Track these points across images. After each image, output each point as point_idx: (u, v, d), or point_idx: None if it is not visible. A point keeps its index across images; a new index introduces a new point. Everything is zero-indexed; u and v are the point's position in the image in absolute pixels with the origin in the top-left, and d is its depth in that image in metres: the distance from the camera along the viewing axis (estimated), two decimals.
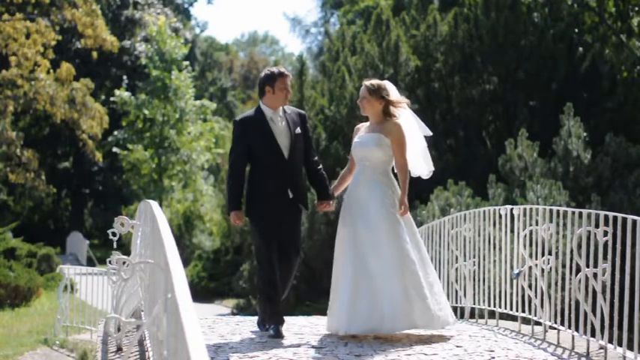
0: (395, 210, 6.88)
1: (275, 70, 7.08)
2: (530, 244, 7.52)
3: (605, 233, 6.39)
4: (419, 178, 7.51)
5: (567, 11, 26.28)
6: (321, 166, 7.30)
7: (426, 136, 7.45)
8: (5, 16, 27.69)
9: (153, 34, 39.62)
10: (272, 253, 6.87)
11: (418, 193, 21.93)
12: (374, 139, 6.98)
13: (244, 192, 7.08)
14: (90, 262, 34.14)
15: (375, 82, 7.12)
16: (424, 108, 26.50)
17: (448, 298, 9.23)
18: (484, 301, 8.47)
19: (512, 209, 7.97)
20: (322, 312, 7.68)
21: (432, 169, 7.47)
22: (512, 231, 8.03)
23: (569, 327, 6.80)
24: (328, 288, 7.07)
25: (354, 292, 6.70)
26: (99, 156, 31.58)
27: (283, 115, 7.03)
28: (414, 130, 7.27)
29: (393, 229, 6.80)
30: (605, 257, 6.43)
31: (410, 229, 6.94)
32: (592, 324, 6.46)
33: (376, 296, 6.66)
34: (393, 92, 7.13)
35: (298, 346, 6.44)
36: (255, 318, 7.78)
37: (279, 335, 6.83)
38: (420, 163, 7.36)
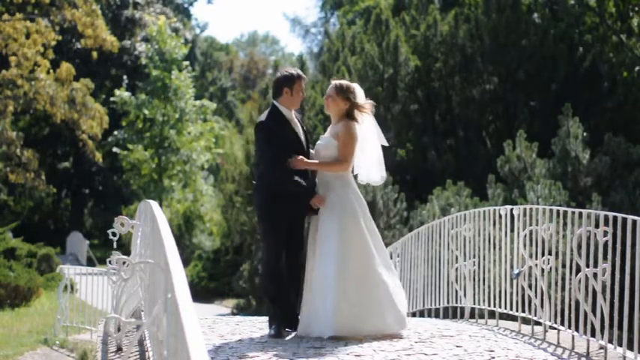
0: (347, 213, 6.83)
1: (294, 72, 7.05)
2: (531, 244, 7.52)
3: (605, 233, 6.39)
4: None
5: (568, 11, 26.28)
6: None
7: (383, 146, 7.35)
8: (5, 16, 27.70)
9: (153, 34, 39.63)
10: (282, 254, 6.89)
11: (418, 193, 21.95)
12: (324, 142, 7.02)
13: (262, 192, 6.98)
14: (90, 262, 34.15)
15: (345, 82, 7.12)
16: (424, 108, 26.53)
17: (448, 298, 9.25)
18: (484, 301, 8.47)
19: (512, 209, 7.97)
20: None
21: (384, 175, 7.34)
22: (512, 231, 8.03)
23: (569, 327, 6.80)
24: None
25: (305, 296, 6.86)
26: (99, 156, 31.58)
27: (295, 116, 7.10)
28: (373, 136, 7.19)
29: (339, 235, 6.77)
30: (605, 257, 6.43)
31: (353, 234, 6.83)
32: (592, 324, 6.46)
33: (315, 301, 6.74)
34: (360, 96, 7.08)
35: (298, 346, 6.44)
36: (255, 318, 7.79)
37: (279, 335, 6.83)
38: (375, 170, 7.26)
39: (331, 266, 6.73)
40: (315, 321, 6.73)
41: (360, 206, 6.97)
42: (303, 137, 7.05)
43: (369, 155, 7.19)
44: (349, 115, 7.01)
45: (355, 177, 7.24)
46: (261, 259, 7.25)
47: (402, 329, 6.96)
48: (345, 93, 7.01)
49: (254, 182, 7.24)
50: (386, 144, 7.30)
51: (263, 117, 7.01)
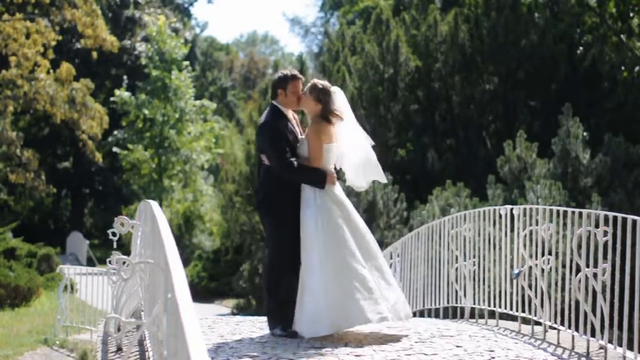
0: (315, 214, 6.81)
1: (288, 72, 7.06)
2: (531, 244, 7.52)
3: (605, 233, 6.39)
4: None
5: (568, 11, 26.29)
6: None
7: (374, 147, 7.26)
8: (5, 16, 27.71)
9: (153, 34, 39.63)
10: (286, 250, 6.89)
11: (418, 193, 21.94)
12: (300, 142, 6.99)
13: (267, 188, 6.95)
14: (90, 262, 34.15)
15: (322, 83, 7.03)
16: (424, 108, 26.53)
17: (448, 298, 9.25)
18: (484, 301, 8.47)
19: (512, 209, 7.97)
20: None
21: (382, 179, 7.26)
22: (512, 231, 8.03)
23: (569, 327, 6.80)
24: None
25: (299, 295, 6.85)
26: (99, 156, 31.59)
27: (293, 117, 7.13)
28: (355, 140, 7.11)
29: (308, 233, 6.77)
30: (605, 257, 6.43)
31: (332, 229, 6.81)
32: (592, 324, 6.46)
33: (300, 299, 6.76)
34: (337, 101, 6.99)
35: (298, 346, 6.44)
36: (255, 318, 7.76)
37: (287, 335, 6.81)
38: (358, 174, 7.17)
39: (311, 266, 6.73)
40: (305, 321, 6.72)
41: (336, 202, 6.92)
42: (300, 137, 7.07)
43: (347, 159, 7.14)
44: (323, 117, 6.94)
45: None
46: (265, 255, 7.20)
47: (383, 321, 6.82)
48: (316, 93, 6.93)
49: (258, 182, 7.20)
50: (371, 143, 7.19)
51: (265, 117, 7.00)
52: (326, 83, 7.07)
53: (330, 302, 6.64)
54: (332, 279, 6.70)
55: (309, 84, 7.06)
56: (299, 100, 7.00)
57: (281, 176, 6.85)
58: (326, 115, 6.92)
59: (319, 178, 6.84)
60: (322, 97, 6.93)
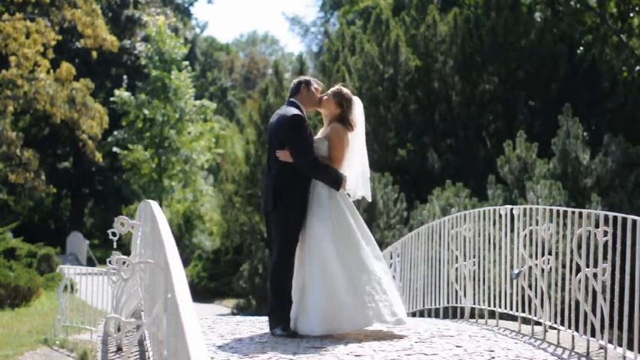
0: (330, 213, 6.90)
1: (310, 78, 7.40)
2: (530, 244, 7.52)
3: (605, 233, 6.39)
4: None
5: (568, 11, 26.29)
6: None
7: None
8: (5, 16, 27.72)
9: (152, 34, 39.62)
10: (294, 249, 6.94)
11: (418, 193, 21.94)
12: (316, 142, 7.09)
13: (284, 191, 6.95)
14: (90, 262, 34.15)
15: (348, 92, 7.22)
16: (424, 108, 26.52)
17: (448, 298, 9.25)
18: (484, 301, 8.47)
19: (512, 209, 7.98)
20: None
21: (368, 195, 7.41)
22: (512, 231, 8.03)
23: (569, 327, 6.81)
24: None
25: (299, 294, 6.91)
26: (99, 156, 31.59)
27: None
28: (361, 152, 7.31)
29: (321, 232, 6.85)
30: (605, 257, 6.43)
31: (341, 230, 6.91)
32: (592, 324, 6.46)
33: (304, 298, 6.82)
34: (355, 111, 7.19)
35: (298, 346, 6.44)
36: (255, 318, 7.75)
37: (288, 335, 6.80)
38: (357, 184, 7.32)
39: (323, 264, 6.78)
40: (307, 318, 6.76)
41: (346, 203, 7.05)
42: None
43: (352, 168, 7.24)
44: (342, 121, 7.11)
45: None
46: (271, 253, 7.24)
47: (399, 324, 6.98)
48: (339, 99, 7.14)
49: (267, 180, 7.19)
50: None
51: (291, 111, 7.04)
52: (350, 92, 7.27)
53: (348, 301, 6.74)
54: (349, 279, 6.80)
55: (334, 88, 7.27)
56: (320, 100, 7.19)
57: (307, 172, 6.95)
58: (342, 120, 7.12)
59: (338, 179, 7.00)
60: (344, 103, 7.15)
